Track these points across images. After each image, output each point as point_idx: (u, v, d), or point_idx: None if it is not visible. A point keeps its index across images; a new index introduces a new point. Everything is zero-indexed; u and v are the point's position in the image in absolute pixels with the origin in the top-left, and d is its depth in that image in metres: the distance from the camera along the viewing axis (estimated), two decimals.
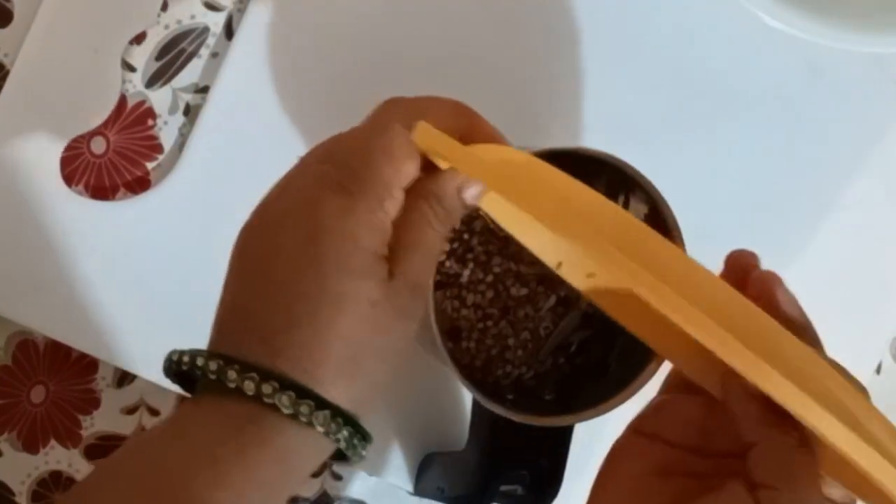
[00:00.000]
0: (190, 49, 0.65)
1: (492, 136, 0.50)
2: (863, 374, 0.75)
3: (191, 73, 0.65)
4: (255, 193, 0.65)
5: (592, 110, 0.68)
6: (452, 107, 0.50)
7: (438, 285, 0.63)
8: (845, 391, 0.49)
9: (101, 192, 0.65)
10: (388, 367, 0.46)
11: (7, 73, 0.63)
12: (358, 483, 0.71)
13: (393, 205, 0.46)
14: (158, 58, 0.65)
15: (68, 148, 0.64)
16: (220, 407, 0.44)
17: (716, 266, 0.70)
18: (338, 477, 0.71)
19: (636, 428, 0.53)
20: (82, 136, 0.64)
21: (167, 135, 0.65)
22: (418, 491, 0.70)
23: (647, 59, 0.69)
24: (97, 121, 0.64)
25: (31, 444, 0.67)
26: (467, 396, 0.58)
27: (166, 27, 0.65)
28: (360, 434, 0.45)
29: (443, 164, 0.47)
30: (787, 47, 0.69)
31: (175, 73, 0.65)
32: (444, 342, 0.57)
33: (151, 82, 0.65)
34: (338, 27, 0.65)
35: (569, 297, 0.66)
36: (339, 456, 0.46)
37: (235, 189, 0.65)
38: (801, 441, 0.47)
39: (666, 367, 0.59)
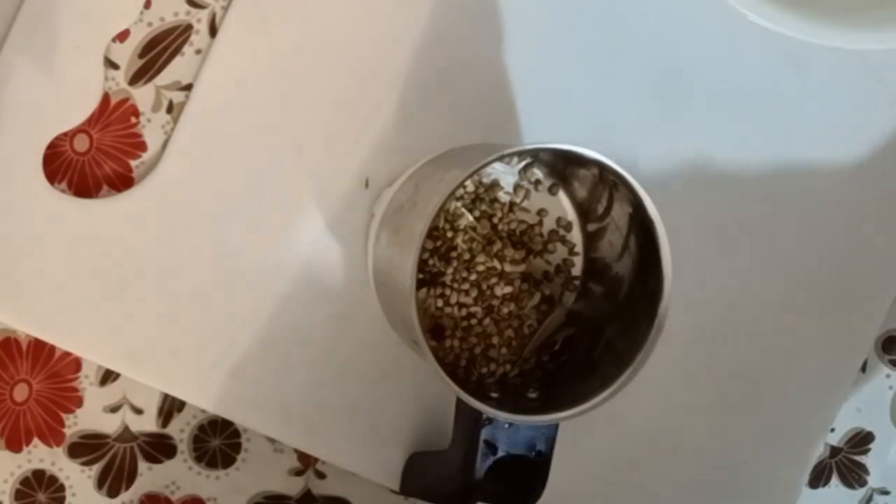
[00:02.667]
0: (173, 46, 0.65)
1: None
2: (848, 373, 0.75)
3: (174, 71, 0.65)
4: (238, 191, 0.65)
5: (577, 108, 0.68)
6: None
7: (422, 283, 0.63)
8: None
9: (84, 189, 0.65)
10: None
11: None
12: (342, 482, 0.71)
13: None
14: (142, 55, 0.65)
15: (51, 145, 0.64)
16: None
17: (701, 264, 0.70)
18: (321, 475, 0.70)
19: None
20: (65, 134, 0.64)
21: (150, 132, 0.65)
22: (403, 490, 0.69)
23: (630, 57, 0.69)
24: (80, 118, 0.64)
25: (13, 443, 0.67)
26: (451, 395, 0.58)
27: (149, 24, 0.64)
28: None
29: None
30: (772, 44, 0.69)
31: (158, 71, 0.65)
32: (427, 340, 0.57)
33: (135, 80, 0.65)
34: (322, 25, 0.65)
35: (553, 296, 0.66)
36: None
37: (219, 186, 0.65)
38: None
39: (650, 365, 0.59)
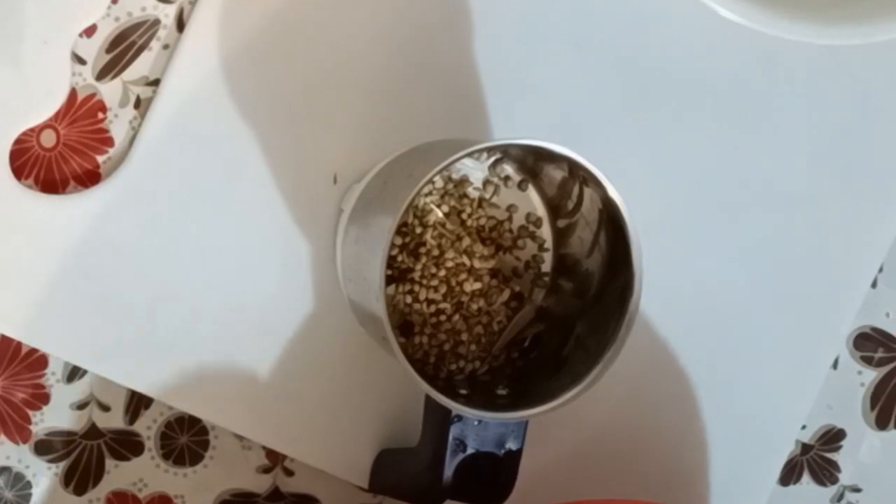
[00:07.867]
0: (140, 42, 0.64)
1: None
2: (819, 370, 0.75)
3: (141, 66, 0.65)
4: (205, 187, 0.65)
5: (547, 104, 0.68)
6: None
7: (390, 279, 0.63)
8: None
9: (51, 185, 0.64)
10: None
11: None
12: (310, 479, 0.70)
13: None
14: (109, 50, 0.64)
15: (18, 141, 0.63)
16: None
17: (671, 261, 0.70)
18: (290, 473, 0.70)
19: None
20: (32, 130, 0.64)
21: (118, 128, 0.65)
22: (372, 487, 0.69)
23: (600, 53, 0.69)
24: (47, 114, 0.64)
25: None
26: (421, 392, 0.58)
27: (117, 19, 0.64)
28: None
29: None
30: (743, 40, 0.69)
31: (126, 66, 0.64)
32: (395, 337, 0.57)
33: (102, 75, 0.64)
34: (290, 19, 0.65)
35: (522, 292, 0.66)
36: None
37: (186, 182, 0.65)
38: None
39: (620, 362, 0.59)
